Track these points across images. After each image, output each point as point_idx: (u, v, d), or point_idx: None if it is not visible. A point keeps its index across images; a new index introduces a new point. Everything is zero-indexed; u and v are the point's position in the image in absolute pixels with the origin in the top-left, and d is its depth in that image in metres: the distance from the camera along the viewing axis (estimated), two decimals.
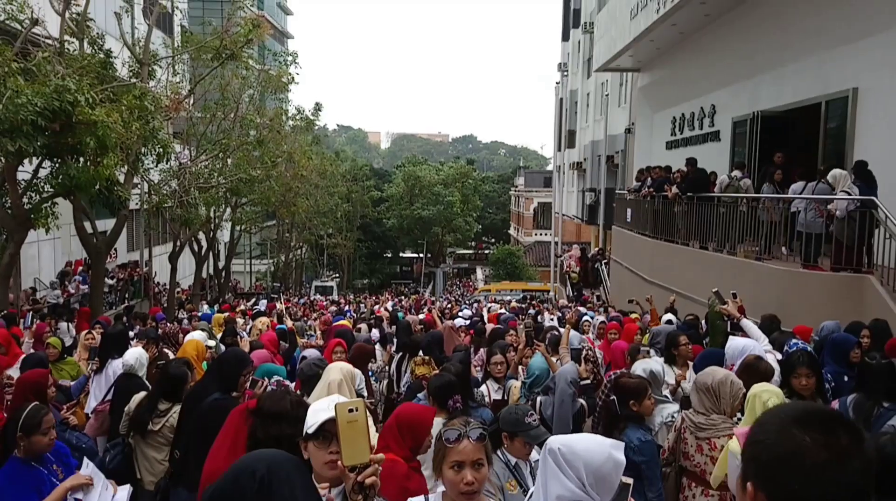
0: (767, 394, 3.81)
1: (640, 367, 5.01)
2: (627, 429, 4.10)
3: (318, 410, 2.41)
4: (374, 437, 3.25)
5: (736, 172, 12.64)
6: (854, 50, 11.52)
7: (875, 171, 9.52)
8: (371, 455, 2.06)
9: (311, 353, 6.66)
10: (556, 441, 2.38)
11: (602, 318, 11.77)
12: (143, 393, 5.06)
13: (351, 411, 2.06)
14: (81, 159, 13.09)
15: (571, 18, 38.50)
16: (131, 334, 8.75)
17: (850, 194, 9.22)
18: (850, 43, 11.62)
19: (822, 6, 12.41)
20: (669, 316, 9.66)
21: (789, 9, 13.53)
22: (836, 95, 11.95)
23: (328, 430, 2.34)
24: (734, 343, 5.34)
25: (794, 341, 5.94)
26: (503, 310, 17.30)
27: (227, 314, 13.79)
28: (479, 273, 58.66)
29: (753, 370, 4.45)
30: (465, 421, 2.64)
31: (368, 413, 2.16)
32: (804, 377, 4.46)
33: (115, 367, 5.89)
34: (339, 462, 2.05)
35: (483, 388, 6.25)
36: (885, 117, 10.69)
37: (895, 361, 4.87)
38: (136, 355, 5.57)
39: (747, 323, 5.59)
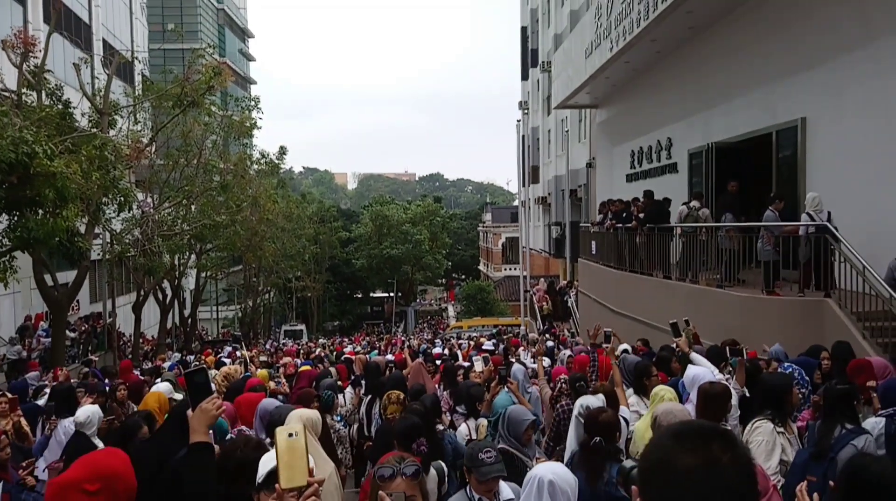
0: (664, 391, 5.05)
1: (581, 403, 5.01)
2: (609, 465, 4.11)
3: (267, 461, 2.44)
4: (315, 463, 3.24)
5: (694, 202, 12.93)
6: (800, 81, 11.96)
7: (826, 197, 9.82)
8: (309, 478, 2.08)
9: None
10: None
11: (569, 351, 11.83)
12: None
13: (290, 435, 2.10)
14: (40, 212, 12.90)
15: (530, 58, 39.38)
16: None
17: (813, 218, 9.45)
18: (795, 74, 12.07)
19: (767, 40, 12.89)
20: (626, 346, 9.73)
21: (737, 43, 14.04)
22: (786, 125, 12.35)
23: (274, 480, 2.36)
24: (688, 373, 5.43)
25: (787, 364, 6.15)
26: (485, 345, 17.16)
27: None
28: (451, 310, 58.56)
29: (710, 395, 4.51)
30: (399, 459, 2.67)
31: (310, 437, 2.19)
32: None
33: (67, 426, 5.72)
34: (276, 487, 2.07)
35: (463, 427, 6.23)
36: (834, 145, 11.07)
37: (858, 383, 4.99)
38: (87, 412, 5.43)
39: (695, 355, 5.71)
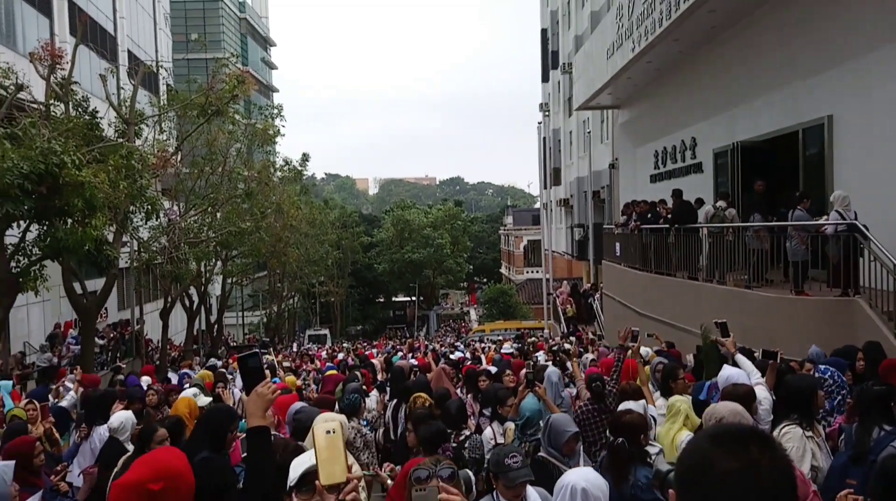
0: (680, 402, 5.32)
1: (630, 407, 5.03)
2: (636, 468, 4.08)
3: (299, 464, 2.46)
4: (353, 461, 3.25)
5: (721, 203, 12.79)
6: (826, 78, 11.79)
7: (855, 195, 9.65)
8: (348, 474, 2.08)
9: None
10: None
11: (591, 355, 11.76)
12: (128, 455, 4.98)
13: (328, 432, 2.11)
14: (69, 221, 13.11)
15: (550, 60, 39.26)
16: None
17: (843, 216, 9.29)
18: (821, 72, 11.90)
19: (792, 38, 12.74)
20: (647, 350, 9.64)
21: (761, 41, 13.88)
22: (812, 122, 12.18)
23: (310, 481, 2.37)
24: (722, 374, 5.35)
25: (823, 366, 6.03)
26: (506, 347, 17.15)
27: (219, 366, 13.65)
28: (473, 314, 58.50)
29: (733, 397, 4.46)
30: (436, 461, 2.66)
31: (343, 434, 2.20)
32: None
33: (102, 433, 5.79)
34: (317, 483, 2.08)
35: (488, 431, 6.19)
36: (861, 143, 10.90)
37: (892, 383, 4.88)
38: (121, 418, 5.49)
39: (741, 358, 5.60)
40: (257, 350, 2.98)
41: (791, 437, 4.20)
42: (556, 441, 4.45)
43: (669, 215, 14.41)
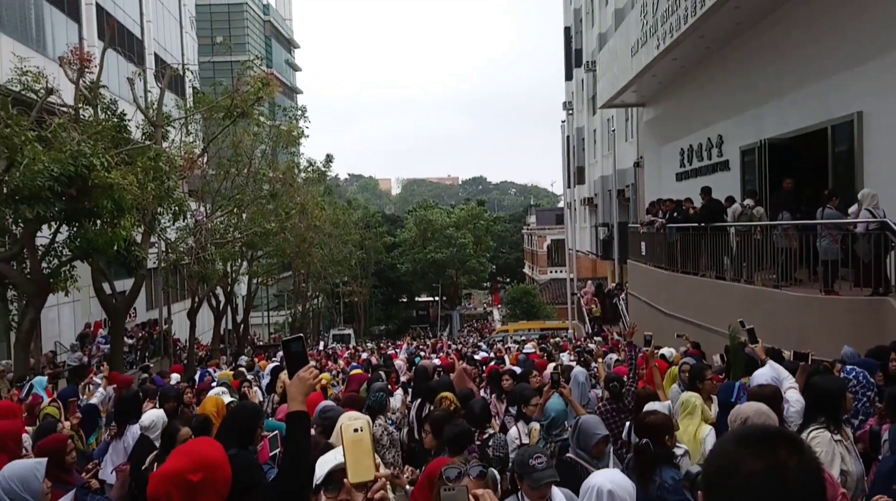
0: (693, 398, 5.47)
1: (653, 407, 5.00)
2: (661, 469, 4.04)
3: (325, 462, 2.46)
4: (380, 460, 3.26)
5: (748, 201, 12.61)
6: (856, 74, 11.58)
7: (885, 192, 9.48)
8: (376, 472, 2.10)
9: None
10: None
11: (615, 356, 11.68)
12: (155, 452, 5.05)
13: (356, 431, 2.12)
14: (98, 222, 13.33)
15: (574, 58, 39.06)
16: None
17: (873, 214, 9.12)
18: (851, 68, 11.69)
19: (819, 34, 12.54)
20: (670, 350, 9.55)
21: (787, 37, 13.68)
22: (841, 119, 11.97)
23: (336, 479, 2.37)
24: (755, 376, 5.29)
25: (849, 367, 5.95)
26: (528, 348, 17.11)
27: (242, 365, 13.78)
28: (496, 314, 58.39)
29: (759, 398, 4.42)
30: (465, 460, 2.66)
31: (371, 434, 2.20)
32: None
33: (134, 432, 5.88)
34: (345, 481, 2.09)
35: (513, 431, 6.19)
36: (892, 139, 10.68)
37: None
38: (152, 417, 5.57)
39: (773, 364, 5.52)
40: (301, 335, 2.97)
41: (819, 441, 4.11)
42: (586, 442, 4.43)
43: (697, 214, 14.26)
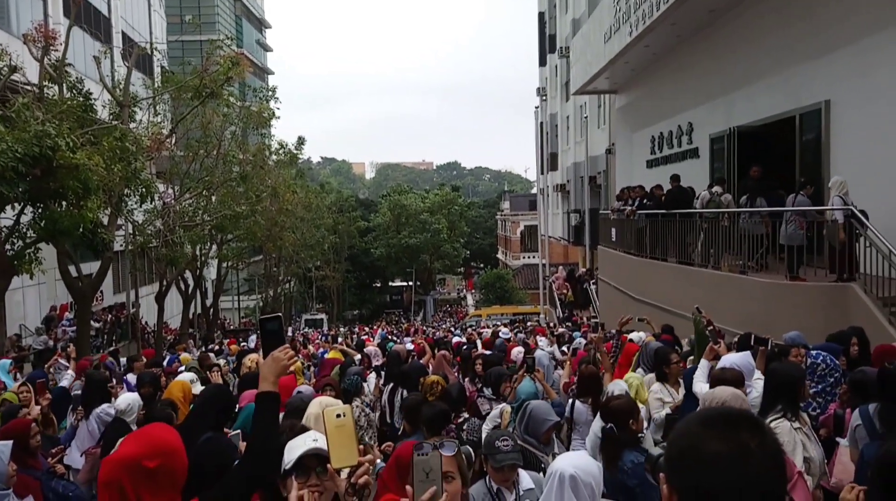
0: (633, 378, 6.21)
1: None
2: (624, 453, 4.09)
3: (294, 447, 2.42)
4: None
5: (716, 188, 12.78)
6: (823, 63, 11.75)
7: (852, 180, 9.64)
8: (359, 457, 2.09)
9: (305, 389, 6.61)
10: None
11: (583, 339, 11.85)
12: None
13: (338, 416, 2.11)
14: (64, 203, 13.05)
15: (547, 44, 39.06)
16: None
17: (844, 201, 9.26)
18: (819, 56, 11.85)
19: (789, 22, 12.68)
20: (641, 334, 9.67)
21: (758, 26, 13.81)
22: (809, 107, 12.15)
23: (306, 465, 2.35)
24: (724, 359, 5.35)
25: (815, 351, 6.05)
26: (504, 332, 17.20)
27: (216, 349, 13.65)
28: (470, 299, 58.57)
29: (721, 381, 4.47)
30: (440, 442, 2.67)
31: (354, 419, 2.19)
32: None
33: (100, 414, 5.79)
34: (328, 467, 2.09)
35: (495, 411, 6.24)
36: (859, 128, 10.88)
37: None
38: (128, 400, 5.50)
39: (734, 357, 5.61)
40: (279, 314, 2.91)
41: (780, 431, 4.10)
42: (536, 429, 4.44)
43: (662, 200, 14.43)
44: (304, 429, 3.08)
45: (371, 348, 13.68)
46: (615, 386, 5.41)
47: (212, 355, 14.05)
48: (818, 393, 5.40)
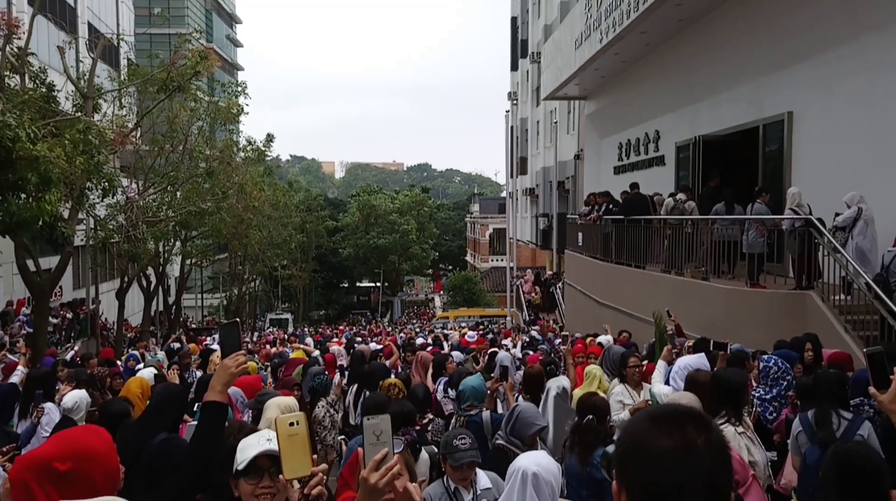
0: (595, 369, 6.49)
1: (553, 384, 5.48)
2: (598, 448, 4.18)
3: (247, 446, 2.39)
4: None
5: (681, 195, 12.98)
6: (787, 75, 12.02)
7: (811, 190, 9.88)
8: (312, 467, 2.05)
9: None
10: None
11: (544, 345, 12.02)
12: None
13: (291, 424, 2.05)
14: (23, 196, 12.73)
15: (520, 49, 39.30)
16: None
17: (797, 212, 9.48)
18: (783, 68, 12.12)
19: (756, 33, 12.94)
20: (608, 338, 9.82)
21: (724, 36, 14.07)
22: (773, 118, 12.41)
23: (259, 465, 2.32)
24: (680, 363, 5.45)
25: (766, 355, 6.16)
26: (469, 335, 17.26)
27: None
28: (438, 301, 58.56)
29: (696, 383, 4.56)
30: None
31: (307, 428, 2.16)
32: None
33: (49, 411, 5.64)
34: (280, 477, 2.06)
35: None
36: (820, 139, 11.14)
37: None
38: (75, 398, 5.36)
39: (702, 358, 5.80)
40: (237, 320, 2.91)
41: (726, 436, 4.23)
42: (522, 431, 4.44)
43: (619, 207, 14.67)
44: (253, 430, 3.05)
45: (336, 347, 13.61)
46: (558, 382, 5.71)
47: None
48: (773, 398, 5.51)
